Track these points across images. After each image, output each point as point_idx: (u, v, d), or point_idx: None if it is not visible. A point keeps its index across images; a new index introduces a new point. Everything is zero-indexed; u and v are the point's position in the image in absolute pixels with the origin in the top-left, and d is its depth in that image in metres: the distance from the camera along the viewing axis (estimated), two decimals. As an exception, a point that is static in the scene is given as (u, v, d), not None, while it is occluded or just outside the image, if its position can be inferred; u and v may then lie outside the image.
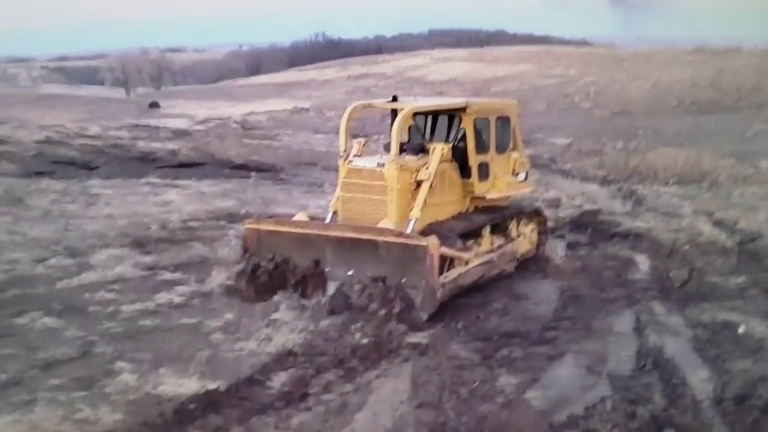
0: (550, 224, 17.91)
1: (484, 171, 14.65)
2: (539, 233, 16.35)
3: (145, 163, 29.35)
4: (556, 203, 22.39)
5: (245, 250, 13.43)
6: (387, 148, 13.69)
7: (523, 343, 10.99)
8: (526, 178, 16.09)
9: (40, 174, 25.89)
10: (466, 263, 13.07)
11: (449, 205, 14.12)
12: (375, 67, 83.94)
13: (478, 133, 14.56)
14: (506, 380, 9.65)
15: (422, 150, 13.78)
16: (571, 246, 17.49)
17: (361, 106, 15.11)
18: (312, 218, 14.05)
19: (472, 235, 13.96)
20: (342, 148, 13.76)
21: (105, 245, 15.98)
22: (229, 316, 11.85)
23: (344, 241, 12.33)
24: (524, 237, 15.69)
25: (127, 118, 49.97)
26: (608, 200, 23.10)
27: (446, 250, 12.27)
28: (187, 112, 56.06)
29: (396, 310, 11.53)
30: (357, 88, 70.42)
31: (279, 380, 9.49)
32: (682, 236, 17.97)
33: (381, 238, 12.02)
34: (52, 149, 30.79)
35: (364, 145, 14.36)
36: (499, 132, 15.15)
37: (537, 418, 8.56)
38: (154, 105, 65.99)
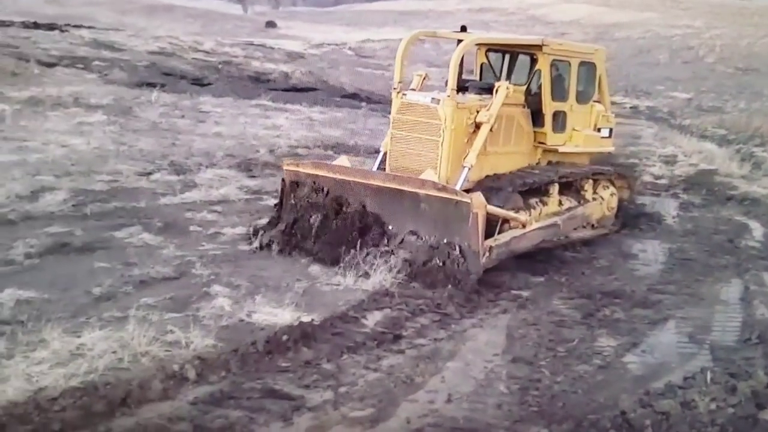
0: (663, 181, 17.44)
1: (559, 121, 13.57)
2: (621, 199, 15.10)
3: (258, 84, 29.59)
4: (672, 160, 21.95)
5: (282, 191, 12.36)
6: (463, 87, 12.87)
7: (625, 305, 10.81)
8: (610, 135, 15.03)
9: (150, 85, 26.33)
10: (523, 225, 11.89)
11: (515, 155, 12.99)
12: (497, 2, 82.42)
13: (556, 78, 13.46)
14: (605, 341, 9.48)
15: (489, 90, 12.44)
16: (684, 206, 17.14)
17: (423, 34, 14.30)
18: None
19: (537, 192, 12.88)
20: (396, 80, 12.66)
21: (211, 164, 16.17)
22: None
23: (383, 192, 11.24)
24: (601, 201, 14.46)
25: (242, 36, 50.36)
26: (726, 161, 22.10)
27: (495, 209, 11.16)
28: (302, 34, 56.25)
29: (441, 273, 10.59)
30: (475, 21, 69.13)
31: (373, 319, 9.46)
32: (801, 205, 17.22)
33: (422, 191, 10.87)
34: (165, 61, 31.35)
35: (424, 79, 13.20)
36: (581, 79, 14.04)
37: (633, 384, 8.34)
38: (270, 24, 66.30)
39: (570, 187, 13.76)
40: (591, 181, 14.18)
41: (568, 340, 9.36)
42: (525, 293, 10.96)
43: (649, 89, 39.79)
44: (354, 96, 29.85)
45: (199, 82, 28.66)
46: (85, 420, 6.65)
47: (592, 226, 14.20)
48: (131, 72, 28.02)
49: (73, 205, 12.92)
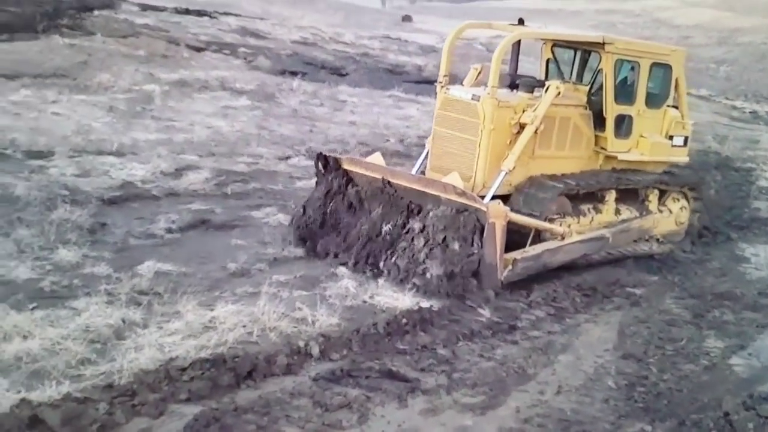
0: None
1: (624, 126, 12.17)
2: (693, 212, 13.56)
3: (392, 76, 29.65)
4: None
5: (317, 184, 11.49)
6: (512, 84, 11.85)
7: (735, 307, 10.63)
8: (685, 144, 13.28)
9: (293, 73, 26.73)
10: (562, 237, 10.83)
11: (571, 160, 11.68)
12: (623, 4, 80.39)
13: (622, 79, 12.25)
14: (713, 342, 9.38)
15: (542, 87, 11.29)
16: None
17: (475, 26, 13.16)
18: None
19: (591, 198, 11.81)
20: (442, 73, 11.61)
21: (344, 151, 16.28)
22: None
23: (409, 193, 10.36)
24: (669, 214, 13.11)
25: (380, 29, 50.64)
26: None
27: (522, 219, 10.20)
28: (436, 29, 55.94)
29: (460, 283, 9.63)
30: (602, 22, 67.74)
31: (490, 309, 9.46)
32: None
33: (444, 195, 9.94)
34: (307, 50, 31.77)
35: (480, 73, 11.88)
36: (653, 82, 12.54)
37: (738, 386, 8.23)
38: (406, 18, 66.33)
39: (634, 197, 12.61)
40: (656, 191, 12.89)
41: (677, 339, 9.29)
42: (638, 291, 10.88)
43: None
44: (482, 89, 29.61)
45: (337, 72, 28.94)
46: (212, 391, 6.84)
47: (658, 240, 12.83)
48: (275, 60, 28.48)
49: (214, 184, 13.26)
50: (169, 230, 11.01)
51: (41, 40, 24.48)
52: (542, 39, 12.94)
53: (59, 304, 8.24)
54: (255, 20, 39.32)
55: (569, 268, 11.16)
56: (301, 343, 7.82)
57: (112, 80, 20.95)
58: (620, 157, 12.13)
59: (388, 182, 10.48)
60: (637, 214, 12.49)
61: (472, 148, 10.72)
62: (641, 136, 12.43)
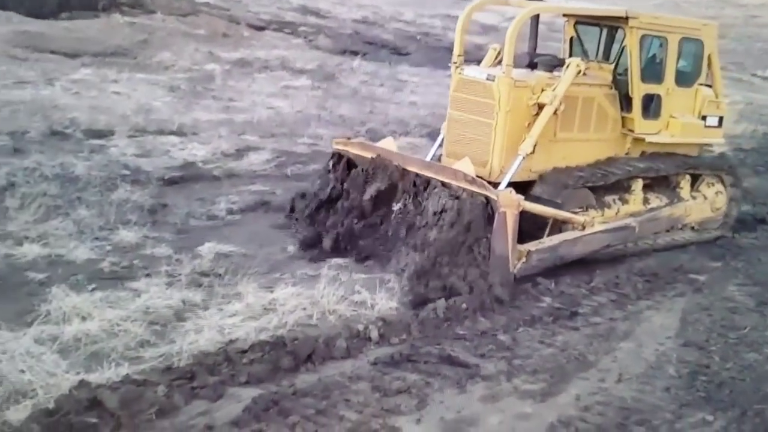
0: None
1: (652, 106, 11.36)
2: (731, 198, 12.63)
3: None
4: None
5: (333, 169, 10.87)
6: (531, 63, 11.09)
7: None
8: (720, 125, 12.41)
9: (353, 53, 26.65)
10: (583, 227, 10.16)
11: (596, 144, 10.99)
12: (690, -18, 78.83)
13: (649, 56, 11.48)
14: None
15: (562, 66, 10.56)
16: None
17: (491, 2, 12.14)
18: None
19: (617, 188, 11.09)
20: (456, 53, 10.90)
21: (405, 132, 16.18)
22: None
23: (420, 179, 9.73)
24: (703, 200, 12.26)
25: (441, 8, 50.25)
26: None
27: (537, 208, 9.58)
28: (497, 8, 55.57)
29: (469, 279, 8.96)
30: (666, 2, 66.31)
31: (551, 295, 9.34)
32: None
33: (455, 183, 9.31)
34: (368, 29, 31.65)
35: (499, 54, 10.85)
36: (683, 58, 11.72)
37: None
38: None
39: (664, 184, 11.88)
40: (688, 177, 12.09)
41: (739, 327, 9.00)
42: (701, 277, 10.57)
43: None
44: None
45: (398, 52, 28.79)
46: (271, 374, 6.82)
47: (692, 228, 12.18)
48: (335, 39, 28.45)
49: (275, 166, 13.27)
50: (230, 211, 11.03)
51: (101, 19, 24.80)
52: (564, 15, 12.14)
53: (119, 285, 8.29)
54: (315, -1, 39.34)
55: (633, 253, 10.93)
56: (361, 327, 7.76)
57: (173, 59, 21.14)
58: (649, 139, 11.42)
59: (403, 169, 9.91)
60: (667, 202, 11.72)
61: (487, 131, 10.09)
62: (671, 116, 11.64)
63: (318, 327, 7.76)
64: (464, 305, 8.48)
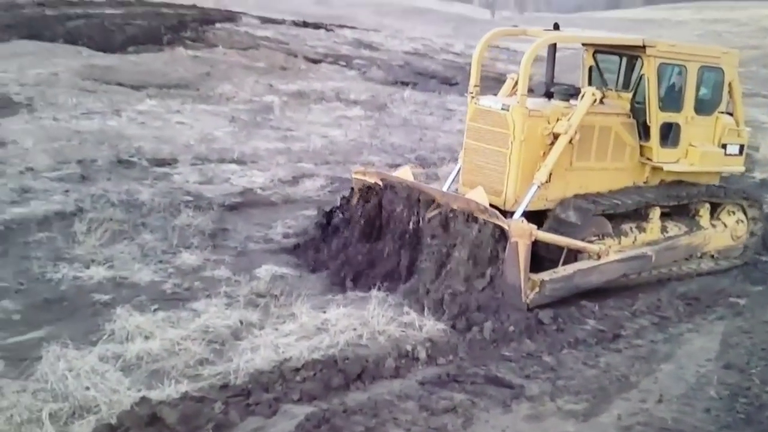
0: None
1: (671, 134, 10.98)
2: (751, 227, 12.16)
3: (501, 85, 29.39)
4: None
5: (357, 199, 10.83)
6: (548, 92, 10.81)
7: None
8: (741, 153, 11.96)
9: (404, 83, 26.81)
10: (598, 256, 9.81)
11: (613, 173, 10.63)
12: (730, 13, 77.66)
13: (668, 84, 11.10)
14: None
15: (578, 95, 10.26)
16: None
17: (507, 33, 12.06)
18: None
19: (635, 217, 10.72)
20: (472, 83, 10.67)
21: (453, 159, 16.17)
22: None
23: (435, 208, 9.53)
24: (723, 229, 11.79)
25: (489, 39, 50.34)
26: None
27: (550, 237, 9.29)
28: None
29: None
30: (708, 32, 65.48)
31: (594, 318, 9.26)
32: None
33: (468, 211, 9.11)
34: (418, 61, 31.82)
35: (516, 84, 10.47)
36: (703, 87, 11.32)
37: None
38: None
39: (684, 213, 11.45)
40: (707, 205, 11.61)
41: None
42: (742, 301, 10.40)
43: None
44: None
45: (447, 82, 28.89)
46: (323, 392, 6.84)
47: (712, 257, 11.71)
48: (387, 70, 28.65)
49: (329, 191, 13.36)
50: (286, 235, 11.12)
51: (166, 53, 25.26)
52: (583, 45, 11.92)
53: (180, 305, 8.43)
54: (369, 32, 39.67)
55: (676, 277, 10.81)
56: (409, 347, 7.77)
57: (234, 91, 21.44)
58: (667, 167, 10.99)
59: (417, 198, 9.78)
60: (686, 231, 11.28)
61: (502, 160, 9.84)
62: (690, 145, 11.23)
63: (368, 347, 7.76)
64: (511, 327, 8.44)
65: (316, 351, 7.47)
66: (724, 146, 11.63)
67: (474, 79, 10.64)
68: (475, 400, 6.98)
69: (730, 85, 11.68)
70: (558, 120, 9.78)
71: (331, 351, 7.50)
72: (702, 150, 11.23)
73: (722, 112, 11.76)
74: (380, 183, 10.38)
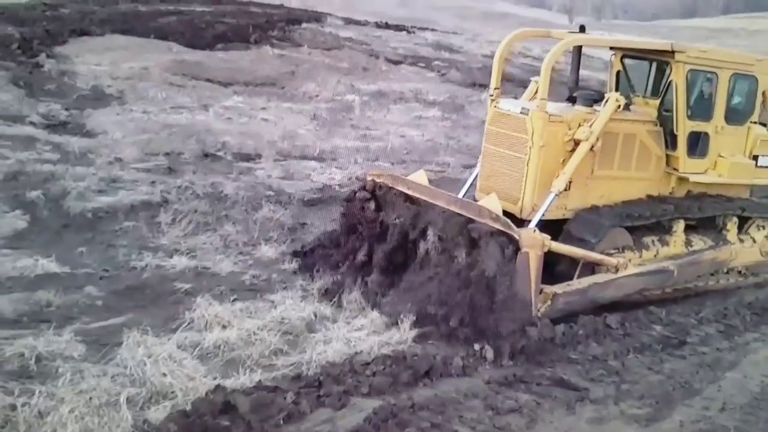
0: None
1: (699, 144, 10.26)
2: None
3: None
4: None
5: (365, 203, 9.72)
6: (571, 97, 10.28)
7: None
8: None
9: (482, 86, 26.55)
10: (616, 269, 9.15)
11: (637, 182, 9.95)
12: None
13: (697, 92, 10.40)
14: None
15: (602, 101, 9.53)
16: None
17: (530, 34, 11.53)
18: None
19: (658, 229, 10.07)
20: (492, 85, 10.00)
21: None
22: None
23: (447, 215, 8.66)
24: (752, 244, 11.06)
25: (568, 43, 49.67)
26: None
27: (565, 248, 8.62)
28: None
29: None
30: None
31: (661, 323, 9.06)
32: None
33: (480, 219, 8.26)
34: (496, 64, 31.50)
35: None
36: (734, 95, 10.63)
37: None
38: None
39: (710, 226, 10.77)
40: (735, 218, 10.89)
41: None
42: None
43: None
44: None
45: (524, 85, 28.40)
46: (391, 387, 6.79)
47: (740, 272, 11.01)
48: (466, 73, 28.40)
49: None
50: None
51: (253, 51, 25.47)
52: (611, 49, 11.28)
53: (258, 296, 8.49)
54: (449, 35, 39.48)
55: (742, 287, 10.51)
56: (477, 347, 7.66)
57: (317, 90, 21.53)
58: (693, 178, 10.34)
59: (429, 204, 8.97)
60: (712, 245, 10.55)
61: (519, 166, 9.17)
62: (719, 155, 10.51)
63: (436, 345, 7.71)
64: (580, 331, 8.26)
65: (386, 346, 7.46)
66: (755, 158, 10.97)
67: (494, 81, 10.04)
68: (539, 402, 6.88)
69: (764, 94, 10.99)
70: (579, 126, 9.16)
71: (401, 347, 7.49)
72: (731, 161, 10.55)
73: (755, 122, 11.05)
74: (395, 188, 9.46)
